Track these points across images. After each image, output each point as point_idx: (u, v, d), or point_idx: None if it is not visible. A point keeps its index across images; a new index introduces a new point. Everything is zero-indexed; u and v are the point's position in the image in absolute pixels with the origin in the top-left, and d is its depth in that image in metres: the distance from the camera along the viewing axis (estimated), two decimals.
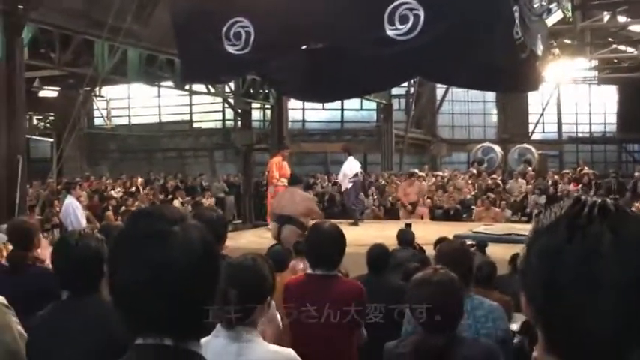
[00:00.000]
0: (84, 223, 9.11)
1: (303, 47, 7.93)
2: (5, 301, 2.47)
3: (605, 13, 17.82)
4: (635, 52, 20.22)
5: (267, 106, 17.15)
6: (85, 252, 2.21)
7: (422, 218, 11.11)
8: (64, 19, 10.72)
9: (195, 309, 1.09)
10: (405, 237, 5.89)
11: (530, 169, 17.15)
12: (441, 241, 4.53)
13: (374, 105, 21.49)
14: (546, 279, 0.78)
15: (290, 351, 2.13)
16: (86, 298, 2.17)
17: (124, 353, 1.13)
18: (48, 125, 20.75)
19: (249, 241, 8.31)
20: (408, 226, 7.22)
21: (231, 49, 7.31)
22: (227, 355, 1.94)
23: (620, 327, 0.75)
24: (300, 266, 4.07)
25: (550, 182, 15.18)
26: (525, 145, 20.08)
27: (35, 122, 20.41)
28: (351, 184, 10.87)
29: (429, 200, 13.56)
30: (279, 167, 10.33)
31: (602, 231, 0.76)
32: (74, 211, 8.90)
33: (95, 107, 21.00)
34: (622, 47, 20.80)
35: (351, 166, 10.90)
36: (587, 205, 0.79)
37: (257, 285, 2.08)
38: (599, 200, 0.80)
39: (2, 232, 4.36)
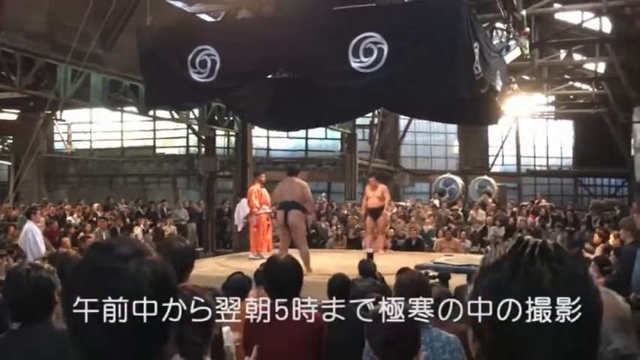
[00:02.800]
0: (43, 249, 8.90)
1: (269, 76, 8.01)
2: None
3: (562, 51, 18.51)
4: (590, 89, 21.02)
5: (231, 133, 17.14)
6: (35, 282, 2.22)
7: (384, 249, 11.06)
8: (27, 42, 10.61)
9: (146, 344, 1.11)
10: (366, 267, 5.93)
11: (490, 200, 17.49)
12: (402, 272, 4.57)
13: (338, 134, 21.66)
14: (492, 315, 0.82)
15: None
16: (37, 326, 2.18)
17: None
18: (6, 148, 20.30)
19: (211, 269, 8.21)
20: (370, 256, 7.28)
21: (196, 77, 7.32)
22: None
23: None
24: (261, 296, 4.05)
25: (509, 213, 15.50)
26: (485, 177, 20.50)
27: None
28: (243, 224, 11.67)
29: (391, 230, 13.66)
30: (258, 195, 10.11)
31: (542, 270, 0.81)
32: (34, 236, 8.71)
33: (55, 131, 20.64)
34: (578, 84, 21.58)
35: (245, 207, 11.25)
36: (529, 245, 0.84)
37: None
38: (540, 241, 0.85)
39: None
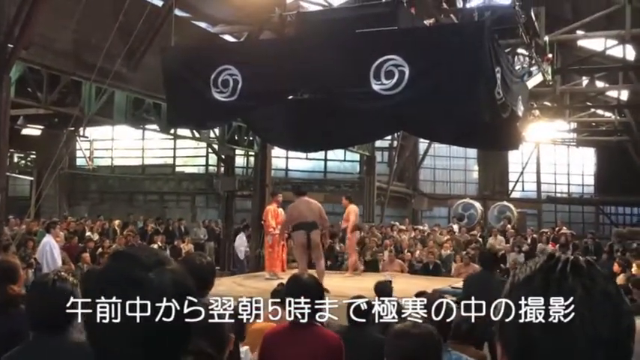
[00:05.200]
0: (59, 263, 8.98)
1: (290, 97, 8.05)
2: None
3: (584, 78, 18.42)
4: (612, 117, 20.84)
5: (251, 153, 17.21)
6: (59, 295, 2.22)
7: (401, 272, 11.03)
8: (53, 60, 10.79)
9: (167, 353, 1.09)
10: (383, 289, 5.86)
11: (509, 226, 17.30)
12: (420, 295, 4.52)
13: (357, 157, 21.69)
14: (522, 329, 0.80)
15: None
16: (53, 338, 2.18)
17: None
18: (29, 163, 20.59)
19: (228, 288, 8.20)
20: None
21: (218, 96, 7.38)
22: None
23: None
24: (278, 315, 4.02)
25: (529, 240, 15.31)
26: (505, 203, 20.32)
27: (16, 160, 20.25)
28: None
29: (408, 254, 13.58)
30: (274, 215, 10.15)
31: (574, 286, 0.79)
32: (51, 249, 8.79)
33: (78, 147, 20.94)
34: (600, 111, 21.41)
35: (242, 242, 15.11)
36: (560, 261, 0.82)
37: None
38: (572, 257, 0.83)
39: None
